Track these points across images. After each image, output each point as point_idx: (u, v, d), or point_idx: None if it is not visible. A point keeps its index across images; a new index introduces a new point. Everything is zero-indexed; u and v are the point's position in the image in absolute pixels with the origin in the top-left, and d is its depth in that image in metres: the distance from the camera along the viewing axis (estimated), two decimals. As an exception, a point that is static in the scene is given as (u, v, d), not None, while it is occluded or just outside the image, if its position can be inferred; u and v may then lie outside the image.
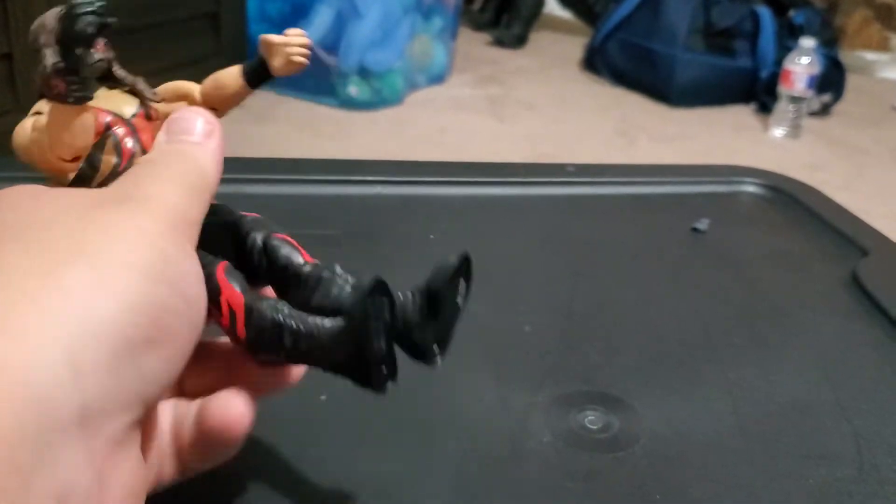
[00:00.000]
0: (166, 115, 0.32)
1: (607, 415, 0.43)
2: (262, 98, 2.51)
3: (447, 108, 2.72)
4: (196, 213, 0.29)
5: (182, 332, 0.26)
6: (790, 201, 0.67)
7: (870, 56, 3.67)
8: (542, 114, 2.80)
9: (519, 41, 3.57)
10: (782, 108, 2.74)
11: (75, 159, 0.30)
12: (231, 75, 0.32)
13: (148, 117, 0.32)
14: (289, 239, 0.32)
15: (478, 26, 3.71)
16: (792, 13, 3.01)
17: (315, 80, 2.52)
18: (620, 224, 0.63)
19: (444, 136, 2.47)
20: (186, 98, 0.33)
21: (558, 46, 3.61)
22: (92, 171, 0.30)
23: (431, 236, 0.59)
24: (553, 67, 3.35)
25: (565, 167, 0.68)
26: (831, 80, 2.90)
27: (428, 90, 2.87)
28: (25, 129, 0.31)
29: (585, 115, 2.82)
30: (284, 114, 2.48)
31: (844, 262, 0.58)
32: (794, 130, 2.74)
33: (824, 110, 2.93)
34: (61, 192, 0.28)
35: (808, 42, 2.71)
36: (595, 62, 3.23)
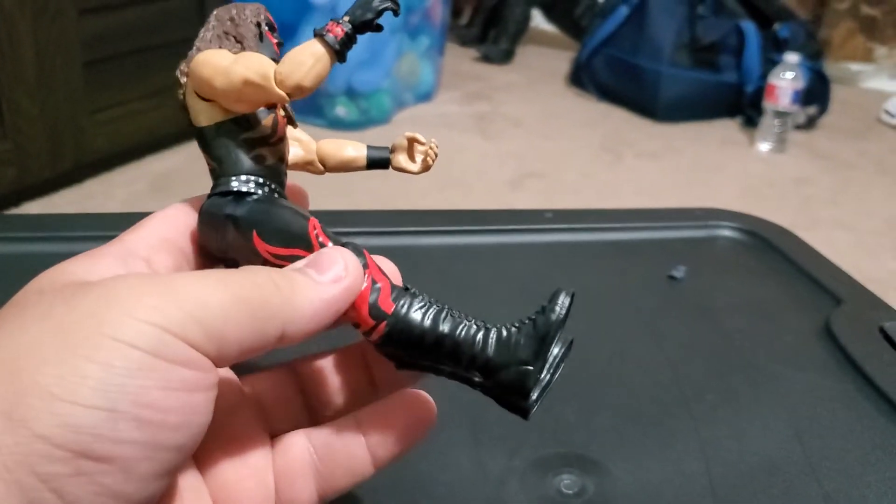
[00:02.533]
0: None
1: (582, 478, 0.44)
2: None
3: (435, 126, 2.73)
4: (228, 332, 0.26)
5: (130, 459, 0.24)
6: (766, 246, 0.68)
7: (854, 67, 3.70)
8: (528, 130, 2.81)
9: (506, 57, 3.59)
10: (768, 122, 2.76)
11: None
12: (357, 149, 0.36)
13: (289, 120, 0.35)
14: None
15: (465, 42, 3.73)
16: (777, 27, 3.03)
17: (302, 101, 2.52)
18: (598, 272, 0.64)
19: (432, 154, 2.48)
20: (301, 142, 0.36)
21: (545, 61, 3.63)
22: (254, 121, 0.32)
23: (410, 288, 0.60)
24: (540, 83, 3.36)
25: (543, 213, 0.69)
26: (816, 93, 2.92)
27: (415, 108, 2.88)
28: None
29: (572, 131, 2.84)
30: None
31: (818, 312, 0.59)
32: (780, 144, 2.76)
33: (810, 123, 2.95)
34: (69, 279, 0.27)
35: (792, 57, 2.73)
36: (581, 77, 3.25)
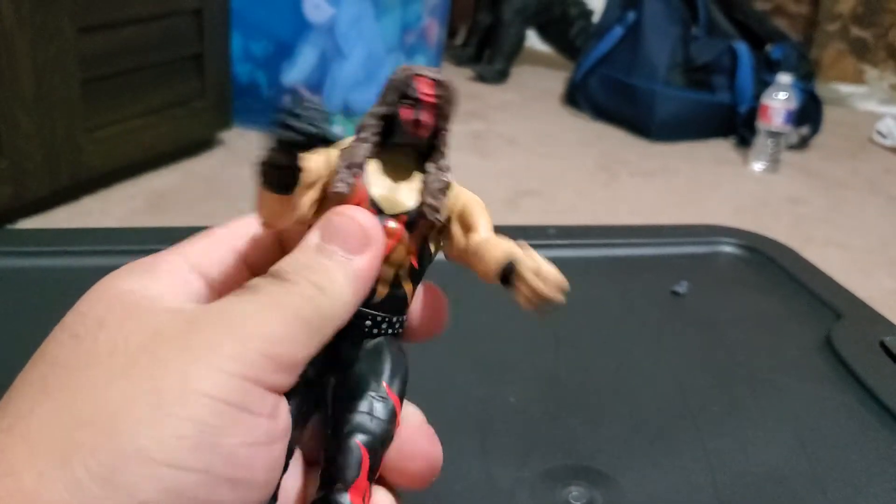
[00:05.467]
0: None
1: (591, 489, 0.44)
2: (247, 138, 2.52)
3: (430, 145, 2.74)
4: (298, 355, 0.26)
5: None
6: (767, 262, 0.69)
7: (845, 88, 3.73)
8: (524, 149, 2.83)
9: (501, 76, 3.61)
10: (761, 142, 2.78)
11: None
12: (494, 258, 0.28)
13: (411, 225, 0.29)
14: (363, 451, 0.27)
15: (460, 62, 3.75)
16: (769, 48, 3.05)
17: (300, 120, 2.53)
18: (602, 287, 0.65)
19: (428, 173, 2.49)
20: (469, 230, 0.29)
21: (540, 81, 3.65)
22: None
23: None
24: (535, 102, 3.38)
25: (546, 230, 0.70)
26: (809, 113, 2.95)
27: (411, 127, 2.89)
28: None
29: (567, 151, 2.85)
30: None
31: (819, 326, 0.60)
32: (774, 164, 2.78)
33: (803, 143, 2.98)
34: (134, 310, 0.26)
35: (784, 78, 2.75)
36: (576, 97, 3.27)
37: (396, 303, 0.29)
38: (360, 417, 0.27)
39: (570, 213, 2.32)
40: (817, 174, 2.81)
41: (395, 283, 0.29)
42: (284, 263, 0.27)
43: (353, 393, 0.28)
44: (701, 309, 0.63)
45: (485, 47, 3.73)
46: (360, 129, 0.28)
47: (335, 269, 0.27)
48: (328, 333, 0.27)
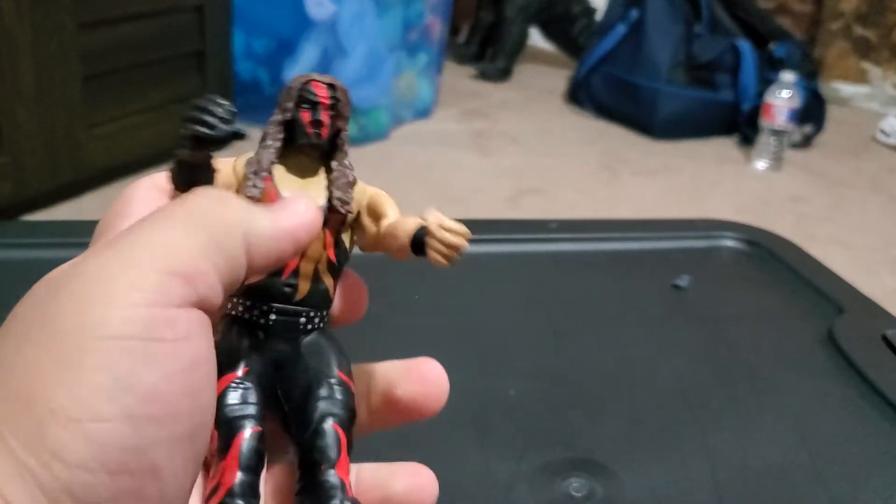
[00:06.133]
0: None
1: (590, 482, 0.44)
2: (249, 134, 2.52)
3: (432, 143, 2.74)
4: (200, 263, 0.24)
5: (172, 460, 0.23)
6: (768, 256, 0.68)
7: (848, 88, 3.72)
8: (526, 147, 2.82)
9: (503, 74, 3.60)
10: (764, 140, 2.77)
11: None
12: (405, 230, 0.30)
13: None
14: (339, 430, 0.29)
15: (462, 60, 3.74)
16: (772, 46, 3.04)
17: (302, 117, 2.53)
18: (603, 281, 0.65)
19: (430, 171, 2.49)
20: (379, 219, 0.31)
21: (542, 79, 3.65)
22: None
23: (416, 297, 0.60)
24: (537, 100, 3.37)
25: (548, 223, 0.69)
26: (812, 112, 2.94)
27: (413, 125, 2.89)
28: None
29: (569, 149, 2.85)
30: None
31: (820, 320, 0.59)
32: (777, 162, 2.77)
33: (806, 141, 2.97)
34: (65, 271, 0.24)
35: (788, 76, 2.74)
36: (579, 96, 3.26)
37: (320, 297, 0.30)
38: (326, 403, 0.29)
39: (571, 212, 2.32)
40: (820, 173, 2.80)
41: (316, 278, 0.30)
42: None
43: (309, 385, 0.29)
44: (702, 303, 0.62)
45: (487, 45, 3.72)
46: (263, 138, 0.30)
47: (258, 209, 0.27)
48: (230, 250, 0.25)
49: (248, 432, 0.27)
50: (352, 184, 0.30)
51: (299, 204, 0.28)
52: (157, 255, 0.23)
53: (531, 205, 2.35)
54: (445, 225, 0.29)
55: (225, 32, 2.34)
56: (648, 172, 2.69)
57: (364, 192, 0.31)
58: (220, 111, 0.27)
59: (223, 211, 0.26)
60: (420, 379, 0.31)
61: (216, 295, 0.25)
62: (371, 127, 2.61)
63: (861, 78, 3.73)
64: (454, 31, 3.77)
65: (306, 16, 2.50)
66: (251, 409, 0.28)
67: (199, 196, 0.26)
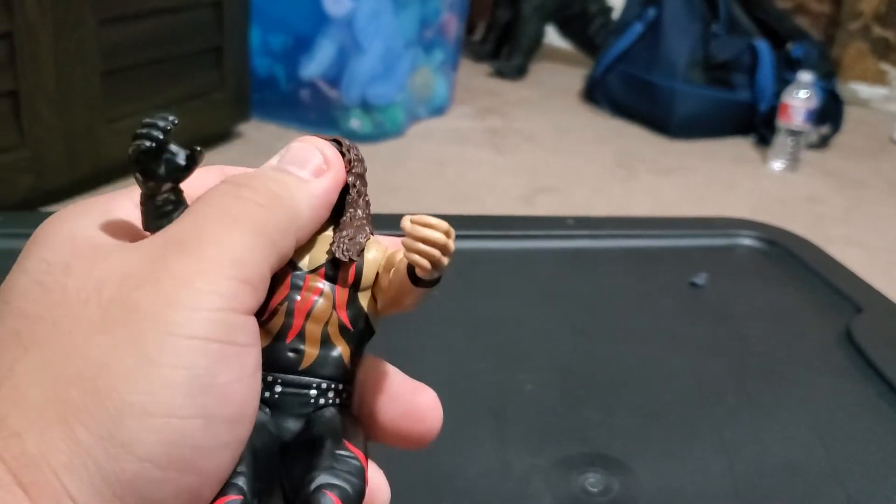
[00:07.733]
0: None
1: (607, 477, 0.44)
2: (265, 131, 2.53)
3: (448, 141, 2.75)
4: (263, 270, 0.25)
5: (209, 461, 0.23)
6: (786, 255, 0.68)
7: (867, 89, 3.70)
8: (541, 145, 2.82)
9: (519, 72, 3.60)
10: (781, 141, 2.76)
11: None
12: (402, 262, 0.27)
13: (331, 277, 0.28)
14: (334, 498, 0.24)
15: (478, 58, 3.74)
16: (790, 46, 3.03)
17: (317, 114, 2.54)
18: (619, 278, 0.65)
19: (445, 168, 2.49)
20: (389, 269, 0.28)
21: (558, 78, 3.64)
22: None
23: (435, 292, 0.60)
24: (553, 99, 3.37)
25: (565, 220, 0.69)
26: (830, 113, 2.92)
27: (429, 122, 2.89)
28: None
29: (585, 147, 2.84)
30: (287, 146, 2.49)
31: (838, 319, 0.59)
32: (793, 163, 2.76)
33: (823, 142, 2.96)
34: (99, 253, 0.25)
35: (805, 76, 2.73)
36: (595, 94, 3.26)
37: (332, 365, 0.27)
38: (326, 473, 0.25)
39: (587, 210, 2.32)
40: (837, 174, 2.79)
41: (325, 342, 0.27)
42: (241, 174, 0.27)
43: (311, 455, 0.25)
44: (719, 301, 0.62)
45: (503, 43, 3.72)
46: None
47: (292, 184, 0.27)
48: (284, 251, 0.26)
49: (227, 500, 0.24)
50: (356, 235, 0.28)
51: (313, 156, 0.28)
52: (232, 263, 0.24)
53: (546, 203, 2.35)
54: (418, 220, 0.26)
55: (242, 28, 2.35)
56: (664, 172, 2.68)
57: (380, 248, 0.28)
58: (159, 123, 0.26)
59: (281, 213, 0.26)
60: (408, 414, 0.29)
61: (262, 293, 0.25)
62: (387, 124, 2.62)
63: (879, 79, 3.71)
64: (470, 28, 3.77)
65: (323, 12, 2.51)
66: (239, 480, 0.24)
67: (260, 194, 0.26)
